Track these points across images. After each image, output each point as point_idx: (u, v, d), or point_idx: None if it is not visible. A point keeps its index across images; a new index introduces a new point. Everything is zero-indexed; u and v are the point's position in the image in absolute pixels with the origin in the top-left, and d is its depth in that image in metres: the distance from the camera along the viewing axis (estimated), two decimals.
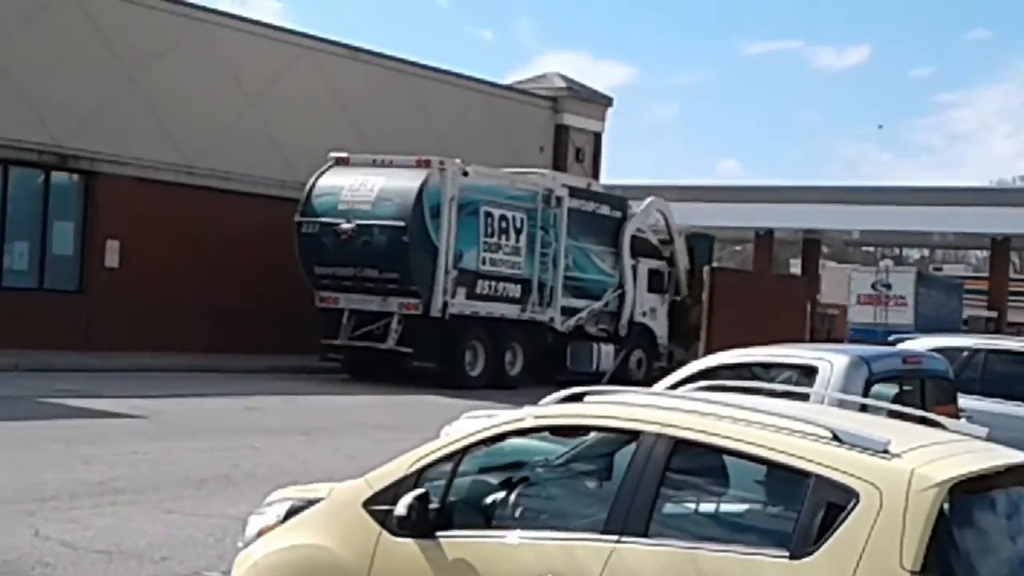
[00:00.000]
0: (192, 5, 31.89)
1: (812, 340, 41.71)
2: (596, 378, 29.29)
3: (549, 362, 30.32)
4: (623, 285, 32.68)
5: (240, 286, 31.04)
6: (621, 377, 29.61)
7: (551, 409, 6.34)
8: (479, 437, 6.32)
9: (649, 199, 34.52)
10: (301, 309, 29.11)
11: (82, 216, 29.46)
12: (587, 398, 6.35)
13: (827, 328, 57.98)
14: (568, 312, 31.11)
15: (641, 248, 33.97)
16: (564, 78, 43.87)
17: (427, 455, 6.37)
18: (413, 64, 37.45)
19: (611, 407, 6.18)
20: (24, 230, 28.70)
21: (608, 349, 31.98)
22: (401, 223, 26.96)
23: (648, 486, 5.69)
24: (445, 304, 27.56)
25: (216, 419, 19.31)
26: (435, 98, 37.42)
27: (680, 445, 5.74)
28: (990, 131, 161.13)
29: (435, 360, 28.30)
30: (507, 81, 43.64)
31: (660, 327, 34.19)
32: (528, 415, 6.31)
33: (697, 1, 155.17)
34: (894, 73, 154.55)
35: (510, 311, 29.44)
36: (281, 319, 30.91)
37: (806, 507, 5.30)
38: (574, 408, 6.29)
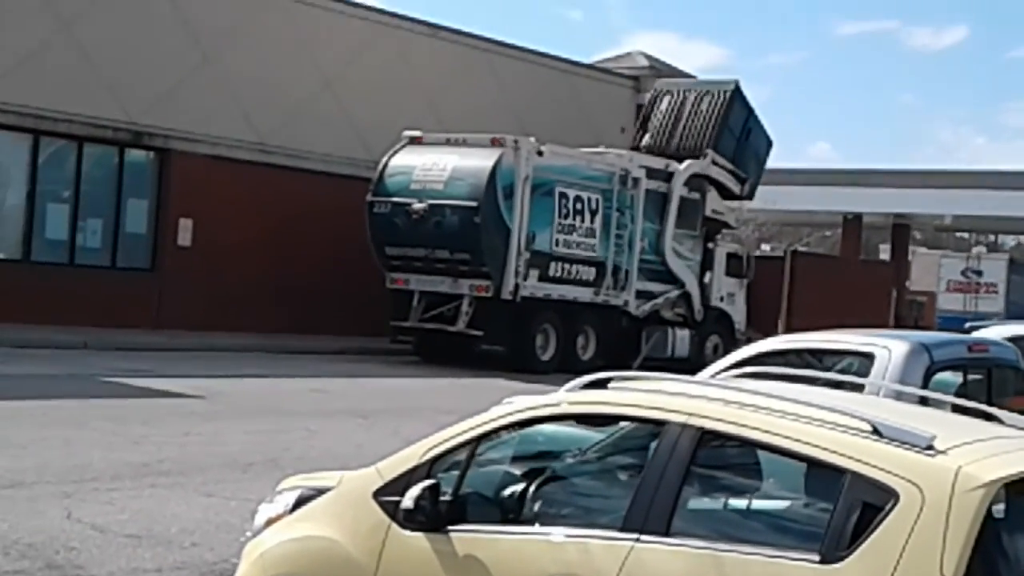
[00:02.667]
0: None
1: (899, 327, 40.91)
2: (672, 364, 28.79)
3: (623, 347, 29.75)
4: (692, 272, 32.15)
5: (312, 266, 30.84)
6: (697, 363, 29.04)
7: (573, 396, 5.88)
8: (494, 425, 5.89)
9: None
10: (372, 290, 28.82)
11: (156, 194, 29.42)
12: (612, 384, 5.90)
13: (915, 315, 56.84)
14: (643, 296, 30.57)
15: (718, 230, 33.39)
16: (648, 57, 43.20)
17: (442, 442, 5.97)
18: (492, 42, 37.02)
19: (635, 395, 5.73)
20: (98, 208, 28.70)
21: (684, 334, 31.41)
22: (473, 203, 26.57)
23: (671, 481, 5.24)
24: (517, 286, 27.15)
25: (276, 401, 19.07)
26: (514, 77, 36.98)
27: (706, 436, 5.29)
28: None
29: (505, 343, 27.93)
30: (592, 61, 43.08)
31: (738, 312, 33.60)
32: (542, 403, 5.87)
33: None
34: (991, 55, 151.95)
35: (583, 294, 28.97)
36: (352, 300, 30.66)
37: (840, 507, 4.83)
38: (597, 395, 5.84)
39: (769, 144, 34.55)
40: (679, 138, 32.55)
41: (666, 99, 33.37)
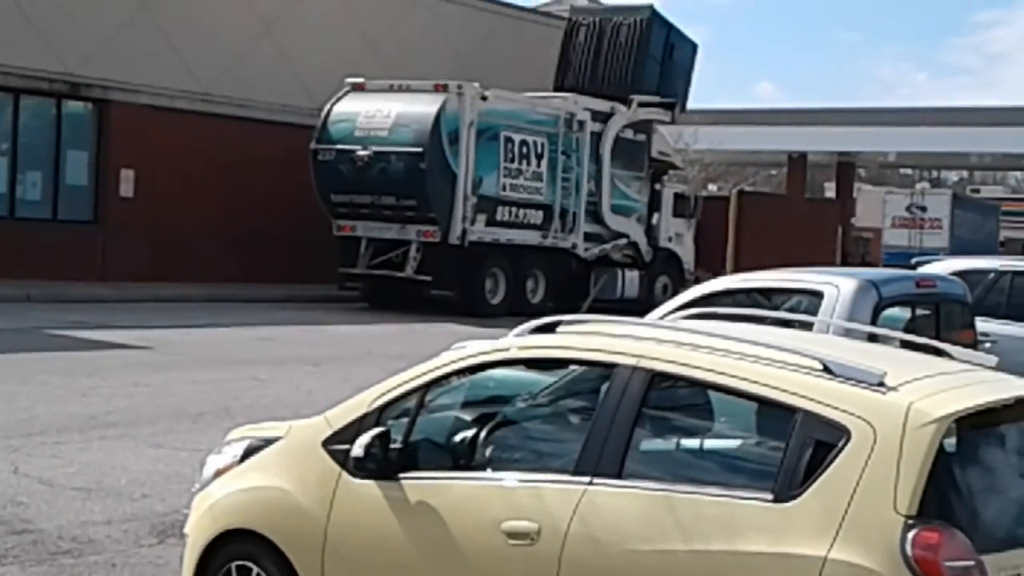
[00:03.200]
0: None
1: (845, 264, 41.17)
2: (622, 305, 28.85)
3: (573, 289, 29.77)
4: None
5: (257, 215, 30.59)
6: (647, 304, 29.08)
7: (522, 340, 5.83)
8: (443, 371, 5.84)
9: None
10: (319, 238, 28.64)
11: (96, 145, 29.02)
12: (561, 328, 5.86)
13: (862, 252, 57.25)
14: (592, 238, 30.55)
15: (664, 171, 33.41)
16: (590, 0, 42.99)
17: (390, 390, 5.92)
18: None
19: (584, 338, 5.69)
20: (37, 160, 28.31)
21: (633, 275, 31.47)
22: (418, 149, 26.42)
23: (622, 423, 5.21)
24: (464, 231, 27.07)
25: (225, 350, 18.94)
26: (456, 22, 36.69)
27: (657, 378, 5.26)
28: None
29: (455, 288, 27.87)
30: (532, 4, 42.86)
31: (686, 252, 33.68)
32: (491, 347, 5.82)
33: None
34: None
35: (531, 238, 28.93)
36: (299, 248, 30.46)
37: (792, 445, 4.82)
38: (546, 339, 5.79)
39: (694, 50, 34.12)
40: (602, 75, 32.15)
41: (582, 31, 32.90)
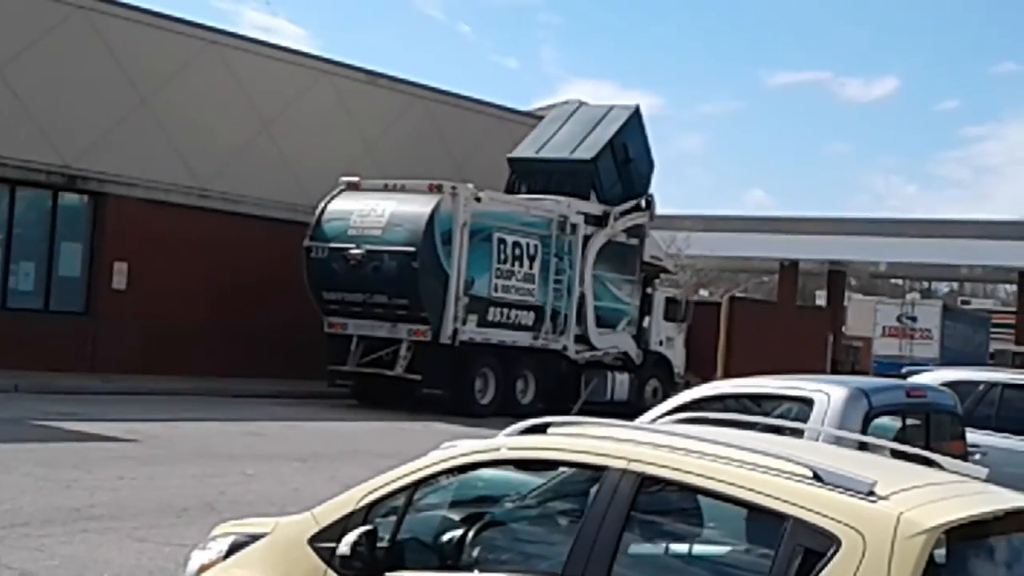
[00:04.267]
0: (206, 27, 31.65)
1: (835, 372, 41.17)
2: (612, 408, 28.75)
3: (563, 391, 29.71)
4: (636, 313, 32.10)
5: (249, 310, 30.65)
6: (637, 407, 29.02)
7: (513, 441, 5.81)
8: (432, 470, 5.81)
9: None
10: (310, 334, 28.63)
11: (90, 238, 29.16)
12: (552, 429, 5.84)
13: (852, 360, 57.30)
14: (582, 341, 30.57)
15: (656, 275, 33.53)
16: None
17: (379, 487, 5.88)
18: (431, 89, 37.11)
19: (574, 440, 5.66)
20: (31, 251, 28.42)
21: (623, 378, 31.46)
22: (411, 249, 26.52)
23: (611, 526, 5.16)
24: (455, 331, 27.10)
25: (212, 444, 18.84)
26: (453, 124, 37.05)
27: (647, 482, 5.22)
28: (1019, 165, 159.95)
29: (444, 387, 27.79)
30: (531, 108, 43.19)
31: (677, 356, 33.72)
32: (481, 447, 5.79)
33: (723, 32, 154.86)
34: (921, 105, 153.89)
35: (522, 339, 28.96)
36: (290, 344, 30.47)
37: (781, 553, 4.77)
38: (536, 440, 5.77)
39: (639, 120, 32.85)
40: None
41: (523, 187, 31.85)
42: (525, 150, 33.07)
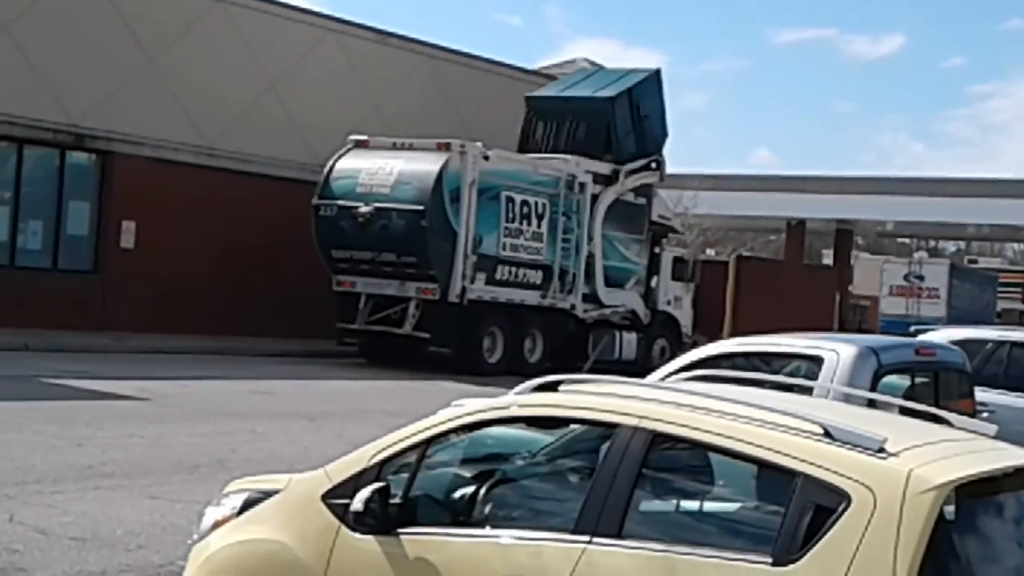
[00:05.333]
0: None
1: (843, 330, 41.20)
2: (619, 367, 28.83)
3: (570, 350, 29.81)
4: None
5: (257, 269, 30.67)
6: (644, 366, 29.11)
7: (524, 398, 5.86)
8: (444, 428, 5.85)
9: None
10: (319, 293, 28.68)
11: (98, 196, 29.12)
12: (562, 387, 5.88)
13: (859, 319, 57.38)
14: (590, 299, 30.59)
15: (664, 234, 33.53)
16: (592, 63, 43.31)
17: (391, 445, 5.93)
18: (438, 48, 36.98)
19: (586, 397, 5.69)
20: (39, 209, 28.38)
21: (631, 337, 31.50)
22: (420, 207, 26.52)
23: (623, 483, 5.21)
24: (463, 289, 27.12)
25: (222, 402, 18.92)
26: (460, 83, 36.94)
27: (658, 439, 5.26)
28: None
29: (452, 346, 27.89)
30: (535, 67, 43.10)
31: (684, 316, 33.75)
32: (492, 405, 5.83)
33: None
34: (928, 63, 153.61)
35: (530, 297, 28.98)
36: (298, 303, 30.52)
37: (792, 509, 4.81)
38: (548, 398, 5.81)
39: (658, 81, 32.88)
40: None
41: (540, 126, 32.17)
42: (545, 92, 33.31)
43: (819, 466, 4.82)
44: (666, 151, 32.85)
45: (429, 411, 6.17)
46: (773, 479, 5.03)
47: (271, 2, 33.29)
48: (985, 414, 10.12)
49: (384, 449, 5.90)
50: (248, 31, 31.69)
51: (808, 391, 7.23)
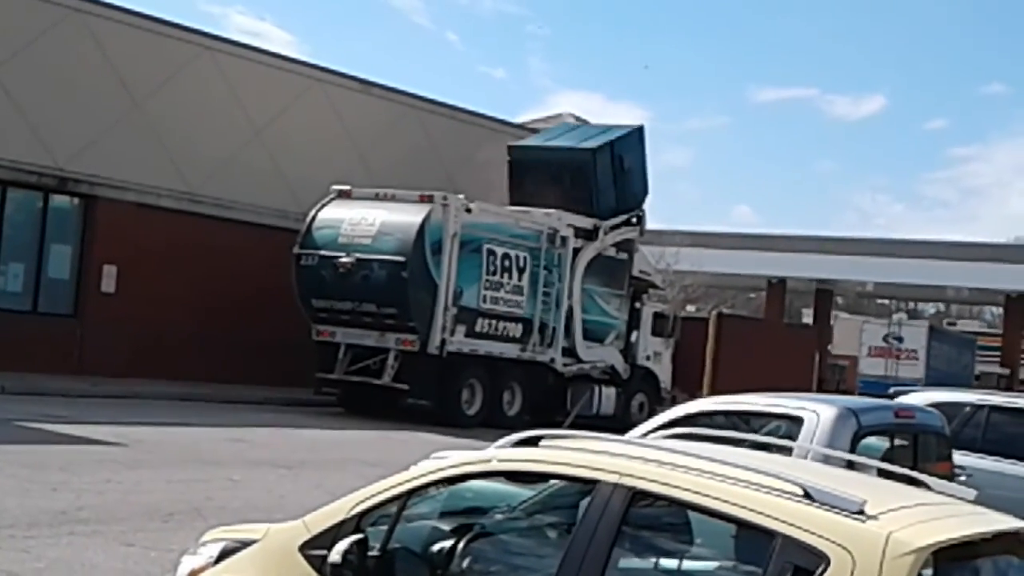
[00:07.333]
0: (200, 33, 31.68)
1: (821, 390, 41.25)
2: (597, 422, 28.80)
3: (549, 403, 29.81)
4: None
5: (238, 316, 30.64)
6: (623, 421, 29.08)
7: (505, 452, 5.85)
8: (424, 480, 5.83)
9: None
10: (299, 341, 28.63)
11: (80, 240, 29.12)
12: (543, 442, 5.88)
13: (837, 379, 57.51)
14: (569, 354, 30.61)
15: (644, 290, 33.59)
16: (576, 118, 43.53)
17: (371, 496, 5.89)
18: (423, 99, 37.14)
19: (567, 453, 5.69)
20: (20, 252, 28.36)
21: (610, 392, 31.51)
22: (401, 258, 26.55)
23: (602, 539, 5.19)
24: (443, 341, 27.12)
25: (199, 450, 18.82)
26: (445, 134, 37.08)
27: (638, 496, 5.25)
28: (1005, 187, 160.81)
29: (431, 397, 27.84)
30: (520, 120, 43.30)
31: (663, 371, 33.78)
32: (473, 458, 5.82)
33: (711, 46, 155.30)
34: (909, 125, 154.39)
35: (510, 350, 28.98)
36: (278, 351, 30.46)
37: (771, 570, 4.80)
38: (529, 452, 5.80)
39: (640, 137, 32.94)
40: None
41: (523, 177, 32.05)
42: (528, 142, 33.57)
43: (798, 527, 4.82)
44: (648, 207, 33.02)
45: (408, 462, 6.17)
46: (752, 539, 5.01)
47: (257, 50, 33.50)
48: (963, 477, 10.13)
49: (364, 500, 5.87)
50: (234, 78, 31.79)
51: (788, 451, 7.24)
